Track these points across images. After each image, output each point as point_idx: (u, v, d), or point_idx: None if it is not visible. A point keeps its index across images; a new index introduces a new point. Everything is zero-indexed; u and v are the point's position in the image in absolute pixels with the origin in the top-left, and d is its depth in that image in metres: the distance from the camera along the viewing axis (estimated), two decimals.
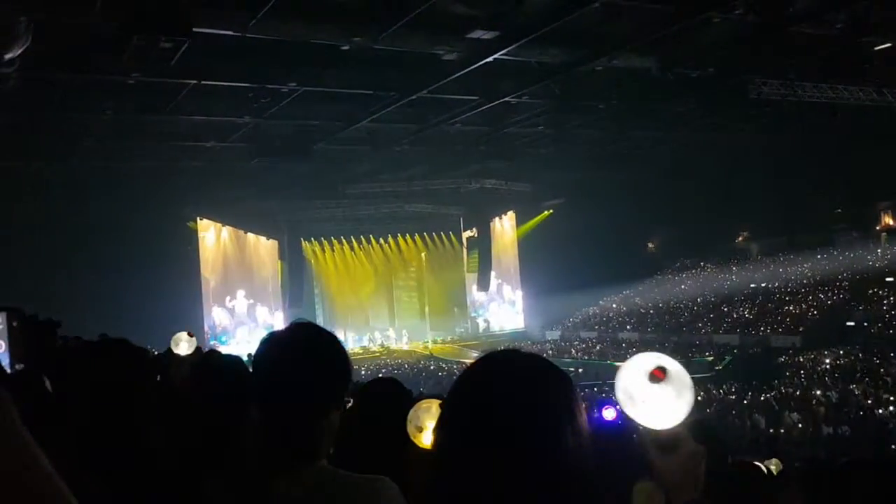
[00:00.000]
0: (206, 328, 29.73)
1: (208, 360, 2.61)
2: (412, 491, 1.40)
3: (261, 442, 1.51)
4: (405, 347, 35.54)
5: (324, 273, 36.67)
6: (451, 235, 38.30)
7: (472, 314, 38.76)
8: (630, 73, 16.20)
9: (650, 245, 41.16)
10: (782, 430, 15.46)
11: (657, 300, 33.81)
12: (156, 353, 4.93)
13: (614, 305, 35.87)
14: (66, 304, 13.72)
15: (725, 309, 31.10)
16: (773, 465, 6.30)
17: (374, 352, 34.58)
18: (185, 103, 15.90)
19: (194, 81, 14.45)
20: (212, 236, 30.82)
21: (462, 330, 38.25)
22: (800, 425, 15.73)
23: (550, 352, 30.88)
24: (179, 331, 3.99)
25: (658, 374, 1.16)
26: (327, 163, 23.20)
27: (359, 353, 32.53)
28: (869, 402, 16.66)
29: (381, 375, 13.13)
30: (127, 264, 23.36)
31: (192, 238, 29.83)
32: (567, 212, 34.93)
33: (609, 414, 3.95)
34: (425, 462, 1.19)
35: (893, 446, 13.30)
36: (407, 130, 20.69)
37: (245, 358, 2.23)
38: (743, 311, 30.47)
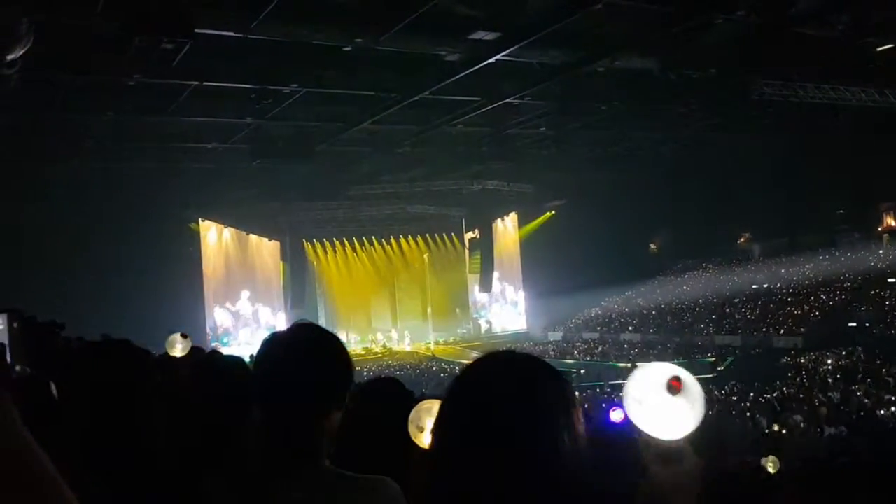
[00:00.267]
0: (207, 329, 29.76)
1: (210, 361, 2.62)
2: (413, 491, 1.40)
3: (262, 442, 1.51)
4: (407, 348, 35.50)
5: (326, 274, 36.64)
6: (454, 236, 38.27)
7: (475, 315, 38.76)
8: (632, 74, 16.18)
9: (652, 246, 41.14)
10: (784, 431, 15.43)
11: (659, 301, 33.77)
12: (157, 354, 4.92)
13: (616, 306, 35.82)
14: (67, 305, 13.73)
15: (727, 310, 31.04)
16: (770, 463, 6.30)
17: (377, 353, 34.56)
18: (187, 104, 15.89)
19: (196, 82, 14.47)
20: (214, 237, 30.88)
21: (464, 331, 38.20)
22: (802, 426, 15.70)
23: (552, 353, 30.90)
24: (181, 332, 3.98)
25: (676, 385, 1.16)
26: (329, 164, 23.18)
27: (361, 354, 32.50)
28: (868, 402, 16.61)
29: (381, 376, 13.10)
30: (128, 265, 23.40)
31: (194, 239, 29.88)
32: (569, 213, 34.96)
33: (617, 415, 3.95)
34: (426, 463, 1.19)
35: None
36: (409, 132, 20.69)
37: (247, 359, 2.23)
38: (745, 312, 30.41)
